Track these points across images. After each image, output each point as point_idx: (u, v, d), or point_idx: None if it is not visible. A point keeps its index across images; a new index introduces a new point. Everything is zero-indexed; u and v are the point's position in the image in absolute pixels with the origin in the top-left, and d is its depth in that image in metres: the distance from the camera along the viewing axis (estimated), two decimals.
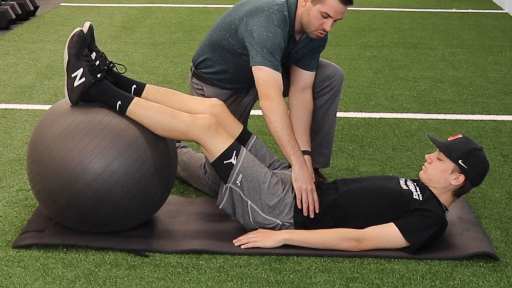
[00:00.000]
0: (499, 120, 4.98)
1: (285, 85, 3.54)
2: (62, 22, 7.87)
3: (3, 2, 7.66)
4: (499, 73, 6.13)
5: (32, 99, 5.22)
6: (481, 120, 4.99)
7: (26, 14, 7.88)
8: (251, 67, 3.40)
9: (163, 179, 3.25)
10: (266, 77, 3.36)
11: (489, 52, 6.85)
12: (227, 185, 3.25)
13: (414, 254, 3.14)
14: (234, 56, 3.60)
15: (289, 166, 3.67)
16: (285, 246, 3.18)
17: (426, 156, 3.28)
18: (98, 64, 3.27)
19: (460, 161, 3.19)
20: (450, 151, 3.21)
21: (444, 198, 3.24)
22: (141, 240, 3.22)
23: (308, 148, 3.57)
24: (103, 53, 3.33)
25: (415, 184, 3.29)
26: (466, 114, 5.12)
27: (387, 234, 3.16)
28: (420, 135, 4.68)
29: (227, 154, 3.22)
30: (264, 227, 3.26)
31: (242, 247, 3.18)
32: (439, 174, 3.22)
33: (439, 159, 3.24)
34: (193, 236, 3.28)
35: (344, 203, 3.24)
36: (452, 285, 2.97)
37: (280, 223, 3.26)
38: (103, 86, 3.25)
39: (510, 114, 5.11)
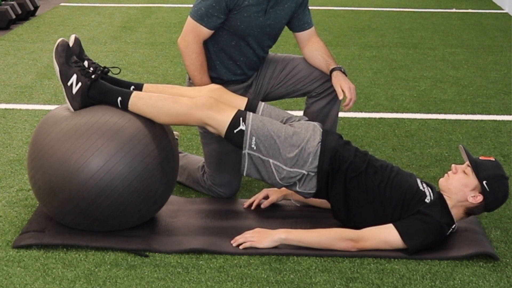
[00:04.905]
0: (499, 120, 4.98)
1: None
2: (62, 22, 7.87)
3: (3, 2, 7.66)
4: (499, 73, 6.13)
5: (32, 99, 5.22)
6: (481, 120, 4.99)
7: (26, 14, 7.88)
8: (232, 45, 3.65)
9: (164, 175, 3.26)
10: (190, 24, 3.61)
11: (489, 52, 6.85)
12: (244, 151, 3.25)
13: (413, 254, 3.14)
14: (215, 39, 3.66)
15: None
16: (285, 246, 3.18)
17: (453, 165, 3.26)
18: (92, 70, 3.30)
19: (484, 182, 3.17)
20: (478, 168, 3.19)
21: (455, 211, 3.22)
22: (141, 240, 3.22)
23: (336, 65, 3.72)
24: (95, 62, 3.37)
25: (429, 188, 3.28)
26: (466, 114, 5.12)
27: (385, 235, 3.15)
28: (420, 135, 4.68)
29: (234, 123, 3.22)
30: (289, 182, 3.24)
31: (240, 247, 3.18)
32: (460, 186, 3.20)
33: (465, 173, 3.22)
34: (193, 235, 3.28)
35: (366, 176, 3.23)
36: (452, 285, 2.97)
37: (306, 173, 3.23)
38: (100, 85, 3.26)
39: (510, 114, 5.11)
